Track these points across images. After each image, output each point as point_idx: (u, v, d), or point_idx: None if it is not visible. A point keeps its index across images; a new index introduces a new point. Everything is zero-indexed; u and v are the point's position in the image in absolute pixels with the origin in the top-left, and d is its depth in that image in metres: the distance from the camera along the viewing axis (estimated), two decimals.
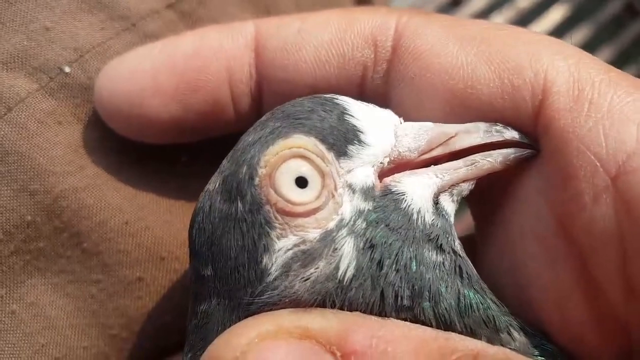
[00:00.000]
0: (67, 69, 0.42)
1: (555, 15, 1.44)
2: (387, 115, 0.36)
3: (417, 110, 0.37)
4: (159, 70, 0.41)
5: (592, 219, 0.32)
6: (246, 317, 0.33)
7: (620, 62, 1.42)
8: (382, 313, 0.32)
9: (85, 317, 0.42)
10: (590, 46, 1.43)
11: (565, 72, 0.34)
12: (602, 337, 0.34)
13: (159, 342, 0.44)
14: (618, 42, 1.43)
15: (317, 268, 0.32)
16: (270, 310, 0.32)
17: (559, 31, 1.44)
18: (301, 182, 0.33)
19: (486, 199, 0.38)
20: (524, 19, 1.44)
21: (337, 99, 0.36)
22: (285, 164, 0.33)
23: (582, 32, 1.43)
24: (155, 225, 0.44)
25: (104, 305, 0.42)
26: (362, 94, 0.39)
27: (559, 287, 0.35)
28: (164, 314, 0.44)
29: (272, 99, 0.41)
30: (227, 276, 0.34)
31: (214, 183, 0.36)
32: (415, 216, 0.34)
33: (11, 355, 0.40)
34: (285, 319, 0.31)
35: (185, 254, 0.43)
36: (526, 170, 0.36)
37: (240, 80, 0.41)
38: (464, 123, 0.36)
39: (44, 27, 0.42)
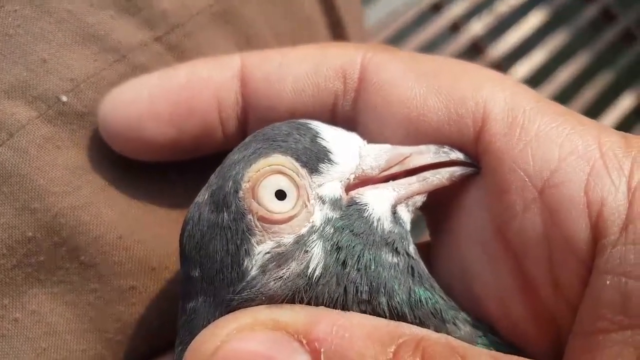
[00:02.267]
0: (64, 98, 0.44)
1: (533, 20, 1.46)
2: (352, 138, 0.41)
3: (379, 133, 0.42)
4: (155, 99, 0.44)
5: (523, 225, 0.37)
6: (228, 312, 0.36)
7: (597, 65, 1.44)
8: (345, 306, 0.36)
9: (83, 322, 0.44)
10: (567, 50, 1.44)
11: (502, 102, 0.39)
12: (537, 328, 0.39)
13: (151, 343, 0.47)
14: (595, 46, 1.45)
15: (289, 268, 0.36)
16: (249, 305, 0.36)
17: (537, 36, 1.46)
18: (280, 195, 0.37)
19: (437, 210, 0.43)
20: (503, 25, 1.46)
21: (310, 123, 0.40)
22: (267, 179, 0.37)
23: (559, 37, 1.44)
24: (147, 239, 0.46)
25: (100, 311, 0.45)
26: (334, 118, 0.44)
27: (498, 284, 0.39)
28: (155, 318, 0.46)
29: (256, 122, 0.45)
30: (212, 277, 0.37)
31: (203, 196, 0.39)
32: (375, 223, 0.38)
33: (15, 358, 0.42)
34: (261, 313, 0.35)
35: (174, 264, 0.46)
36: (469, 185, 0.41)
37: (228, 106, 0.45)
38: (417, 145, 0.40)
39: (42, 59, 0.44)
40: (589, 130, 0.37)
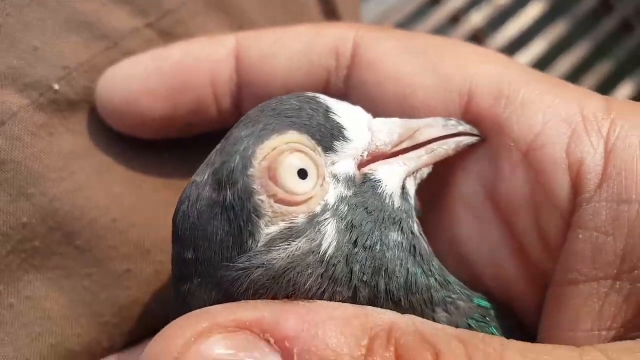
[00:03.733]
0: (55, 86, 0.45)
1: (532, 11, 1.46)
2: (360, 112, 0.40)
3: (370, 106, 0.42)
4: (150, 75, 0.45)
5: (511, 186, 0.39)
6: (221, 293, 0.35)
7: (596, 55, 1.45)
8: (350, 286, 0.36)
9: (78, 307, 0.45)
10: (567, 41, 1.45)
11: (487, 75, 0.40)
12: (528, 284, 0.40)
13: (147, 326, 0.47)
14: (594, 36, 1.46)
15: (299, 244, 0.35)
16: (245, 281, 0.34)
17: (536, 27, 1.46)
18: (301, 174, 0.35)
19: (427, 183, 0.43)
20: (502, 16, 1.46)
21: (319, 97, 0.39)
22: (287, 158, 0.35)
23: (559, 27, 1.44)
24: (141, 222, 0.47)
25: (95, 295, 0.45)
26: (326, 93, 0.43)
27: (489, 245, 0.41)
28: (151, 301, 0.47)
29: (250, 99, 0.46)
30: (209, 258, 0.35)
31: (202, 174, 0.37)
32: (387, 200, 0.38)
33: (10, 343, 0.43)
34: (219, 314, 0.33)
35: (169, 247, 0.46)
36: (458, 156, 0.42)
37: (222, 82, 0.46)
38: (405, 117, 0.41)
39: (33, 47, 0.45)
40: (572, 95, 0.39)
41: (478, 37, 1.42)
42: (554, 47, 1.44)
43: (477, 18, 1.43)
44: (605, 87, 1.41)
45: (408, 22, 1.40)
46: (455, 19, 1.43)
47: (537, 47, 1.43)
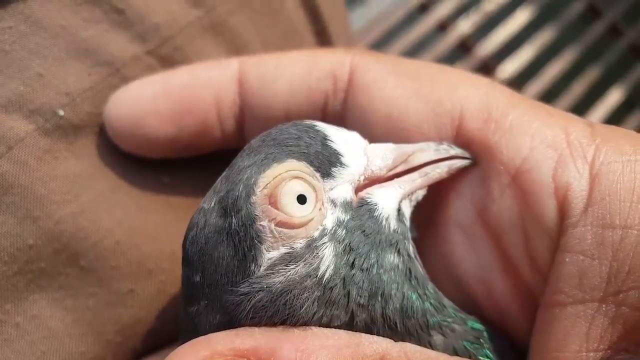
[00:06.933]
0: (60, 112, 0.46)
1: (521, 17, 1.47)
2: (357, 138, 0.42)
3: (365, 129, 0.44)
4: (157, 98, 0.47)
5: (501, 208, 0.41)
6: (225, 317, 0.37)
7: (584, 60, 1.46)
8: (347, 310, 0.37)
9: (82, 326, 0.45)
10: (556, 46, 1.46)
11: (476, 100, 0.42)
12: (518, 304, 0.42)
13: (150, 343, 0.48)
14: (583, 42, 1.47)
15: (297, 268, 0.36)
16: (247, 305, 0.36)
17: (525, 33, 1.48)
18: (300, 199, 0.37)
19: (421, 206, 0.44)
20: (491, 23, 1.47)
21: (317, 125, 0.41)
22: (287, 185, 0.37)
23: (547, 34, 1.46)
24: (143, 243, 0.48)
25: (99, 314, 0.46)
26: (325, 116, 0.46)
27: (480, 265, 0.43)
28: (153, 320, 0.48)
29: (252, 122, 0.47)
30: (215, 281, 0.37)
31: (209, 202, 0.39)
32: (384, 222, 0.39)
33: None
34: (218, 343, 0.35)
35: (170, 265, 0.47)
36: (452, 178, 0.43)
37: (225, 105, 0.47)
38: (398, 140, 0.42)
39: (38, 74, 0.46)
40: (558, 121, 0.41)
41: (466, 45, 1.44)
42: (543, 53, 1.46)
43: (465, 25, 1.45)
44: (595, 93, 1.42)
45: (396, 30, 1.40)
46: (443, 27, 1.45)
47: (526, 54, 1.44)
